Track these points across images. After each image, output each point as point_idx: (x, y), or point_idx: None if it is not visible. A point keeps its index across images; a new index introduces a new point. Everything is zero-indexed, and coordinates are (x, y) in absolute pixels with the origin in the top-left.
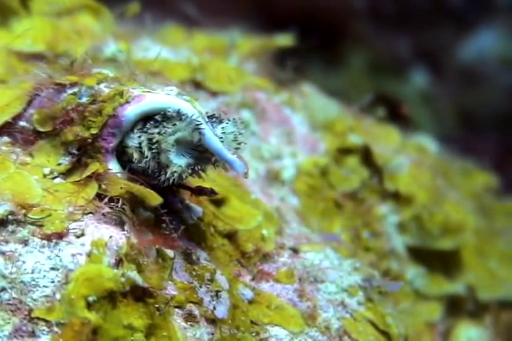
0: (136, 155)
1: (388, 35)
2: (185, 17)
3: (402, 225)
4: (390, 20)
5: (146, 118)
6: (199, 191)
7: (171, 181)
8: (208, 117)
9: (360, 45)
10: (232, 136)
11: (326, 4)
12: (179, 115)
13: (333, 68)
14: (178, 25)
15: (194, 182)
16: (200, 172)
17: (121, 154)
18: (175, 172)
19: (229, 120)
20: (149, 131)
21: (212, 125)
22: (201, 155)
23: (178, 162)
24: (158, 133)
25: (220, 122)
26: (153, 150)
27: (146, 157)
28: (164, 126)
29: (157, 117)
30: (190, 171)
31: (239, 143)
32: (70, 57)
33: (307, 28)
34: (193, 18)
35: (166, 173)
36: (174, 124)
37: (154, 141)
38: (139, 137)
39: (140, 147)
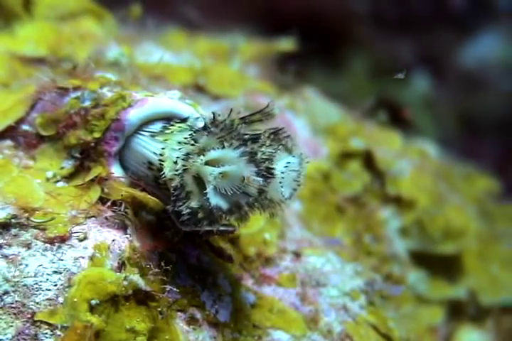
0: (167, 170)
1: (390, 40)
2: (188, 21)
3: (404, 229)
4: (391, 25)
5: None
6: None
7: (188, 220)
8: (278, 135)
9: (361, 50)
10: (295, 175)
11: (328, 8)
12: (228, 123)
13: (335, 72)
14: (181, 29)
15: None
16: (234, 228)
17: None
18: (192, 208)
19: (295, 154)
20: (194, 137)
21: (277, 152)
22: (245, 198)
23: (211, 198)
24: (194, 143)
25: (287, 150)
26: (185, 167)
27: (177, 170)
28: (211, 133)
29: (206, 123)
30: (220, 227)
31: (298, 185)
32: (72, 61)
33: (309, 32)
34: (195, 21)
35: (183, 204)
36: (221, 141)
37: (191, 155)
38: (179, 149)
39: (176, 162)
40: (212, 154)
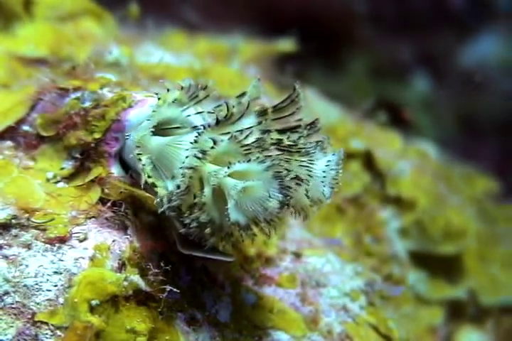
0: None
1: (389, 40)
2: (187, 22)
3: (404, 230)
4: (391, 25)
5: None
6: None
7: (193, 232)
8: (314, 126)
9: (361, 50)
10: (335, 173)
11: (328, 9)
12: (254, 137)
13: (335, 73)
14: (180, 30)
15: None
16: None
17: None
18: (198, 221)
19: (335, 152)
20: (211, 136)
21: (314, 151)
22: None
23: (231, 213)
24: (212, 145)
25: (323, 149)
26: (196, 164)
27: (181, 168)
28: (233, 137)
29: (219, 117)
30: (219, 257)
31: (337, 183)
32: (72, 62)
33: (308, 32)
34: (195, 22)
35: (189, 215)
36: (246, 153)
37: (205, 156)
38: (192, 149)
39: (183, 162)
40: (237, 167)
